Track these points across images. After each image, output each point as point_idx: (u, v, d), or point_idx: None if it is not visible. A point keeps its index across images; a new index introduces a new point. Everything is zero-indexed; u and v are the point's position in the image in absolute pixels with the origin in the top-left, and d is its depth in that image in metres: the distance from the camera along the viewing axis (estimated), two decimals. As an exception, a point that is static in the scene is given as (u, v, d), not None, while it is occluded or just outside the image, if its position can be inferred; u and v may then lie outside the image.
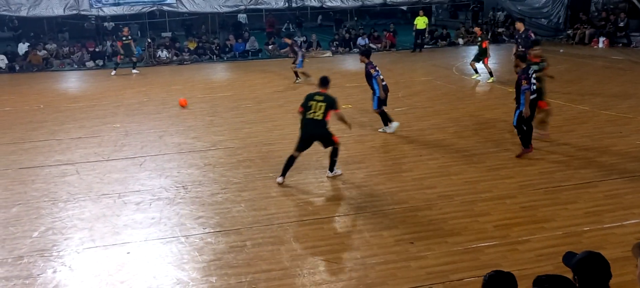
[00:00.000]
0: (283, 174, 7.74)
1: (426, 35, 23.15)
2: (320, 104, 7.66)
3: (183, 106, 12.60)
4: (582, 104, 11.79)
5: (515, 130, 8.59)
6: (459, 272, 5.18)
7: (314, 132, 7.72)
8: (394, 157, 8.83)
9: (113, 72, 18.75)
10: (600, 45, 21.24)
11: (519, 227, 6.08)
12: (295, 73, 16.21)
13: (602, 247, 5.44)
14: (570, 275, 2.84)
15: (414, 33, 22.70)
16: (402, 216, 6.52)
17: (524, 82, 8.22)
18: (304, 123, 7.79)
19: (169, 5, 21.61)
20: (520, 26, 14.03)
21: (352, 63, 20.25)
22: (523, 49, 12.08)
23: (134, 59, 19.14)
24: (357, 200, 7.09)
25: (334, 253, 5.71)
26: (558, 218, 6.27)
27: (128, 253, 5.83)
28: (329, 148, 7.87)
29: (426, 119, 11.22)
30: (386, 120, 10.30)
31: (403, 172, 8.09)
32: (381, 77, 10.08)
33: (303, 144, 7.79)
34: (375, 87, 10.00)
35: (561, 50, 20.65)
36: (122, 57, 18.96)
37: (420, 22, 22.70)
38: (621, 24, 21.47)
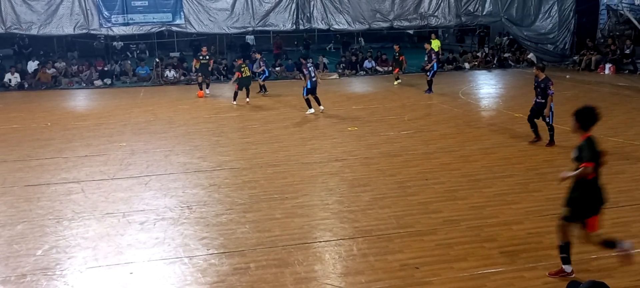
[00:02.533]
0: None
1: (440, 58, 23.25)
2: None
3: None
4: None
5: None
6: (465, 299, 5.12)
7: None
8: (400, 180, 8.80)
9: (207, 91, 17.64)
10: (607, 71, 21.25)
11: (526, 253, 6.02)
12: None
13: (610, 275, 5.39)
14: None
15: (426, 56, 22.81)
16: (408, 240, 6.47)
17: None
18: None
19: (177, 25, 21.84)
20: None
21: (359, 85, 20.37)
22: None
23: (208, 81, 17.81)
24: (361, 223, 7.04)
25: (338, 277, 5.67)
26: (565, 245, 6.20)
27: (131, 273, 5.80)
28: None
29: (433, 142, 11.20)
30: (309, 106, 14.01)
31: (409, 196, 8.05)
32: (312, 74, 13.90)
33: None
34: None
35: (567, 77, 20.65)
36: (201, 77, 17.66)
37: (434, 44, 22.87)
38: (627, 51, 21.51)
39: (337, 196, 8.15)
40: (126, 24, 21.17)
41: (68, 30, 20.93)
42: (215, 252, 6.25)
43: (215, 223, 7.10)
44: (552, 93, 10.23)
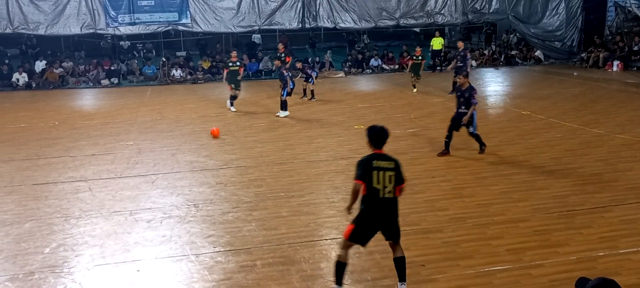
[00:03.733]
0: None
1: (441, 56, 23.27)
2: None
3: (215, 136, 11.24)
4: (596, 127, 11.68)
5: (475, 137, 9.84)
6: (471, 296, 5.11)
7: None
8: (406, 178, 8.76)
9: (232, 109, 14.90)
10: (615, 68, 21.11)
11: (532, 251, 5.99)
12: (312, 92, 16.46)
13: (618, 273, 5.35)
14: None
15: (430, 54, 22.80)
16: (414, 238, 6.46)
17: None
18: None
19: (183, 25, 21.89)
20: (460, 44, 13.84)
21: (365, 83, 20.34)
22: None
23: (237, 92, 15.03)
24: (368, 221, 7.02)
25: (344, 275, 5.65)
26: (572, 243, 6.18)
27: (138, 271, 5.83)
28: None
29: (439, 140, 11.15)
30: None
31: (415, 194, 8.03)
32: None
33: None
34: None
35: (575, 74, 20.55)
36: (232, 87, 14.88)
37: (436, 43, 22.85)
38: (635, 48, 21.35)
39: (343, 194, 8.13)
40: (133, 24, 21.25)
41: (75, 30, 21.04)
42: (222, 249, 6.27)
43: (221, 221, 7.12)
44: (476, 102, 9.69)
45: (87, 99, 18.44)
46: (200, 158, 10.25)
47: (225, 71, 15.32)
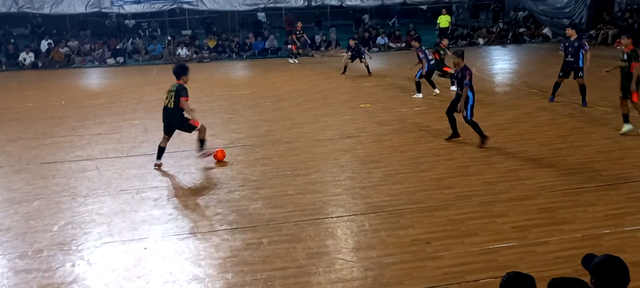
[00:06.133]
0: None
1: (449, 34, 23.03)
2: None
3: (220, 159, 8.83)
4: (604, 105, 11.59)
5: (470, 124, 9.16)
6: (476, 273, 5.13)
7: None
8: (412, 156, 8.78)
9: (292, 60, 20.37)
10: (624, 45, 20.83)
11: (538, 228, 5.99)
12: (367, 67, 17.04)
13: (623, 250, 5.35)
14: (588, 278, 2.79)
15: (437, 32, 22.59)
16: (419, 216, 6.48)
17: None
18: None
19: (188, 3, 21.83)
20: (572, 33, 12.15)
21: (371, 62, 20.19)
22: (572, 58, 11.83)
23: (301, 51, 21.12)
24: (374, 199, 7.06)
25: (350, 252, 5.70)
26: (578, 220, 6.17)
27: (145, 248, 5.89)
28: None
29: (445, 119, 11.07)
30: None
31: (421, 172, 8.04)
32: None
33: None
34: None
35: (584, 51, 20.29)
36: (296, 46, 20.70)
37: (443, 20, 22.62)
38: (646, 24, 21.06)
39: (349, 172, 8.16)
40: (137, 2, 21.22)
41: (80, 8, 21.04)
42: (228, 227, 6.32)
43: (228, 200, 7.16)
44: (468, 83, 8.85)
45: (93, 78, 18.48)
46: (206, 137, 10.25)
47: (294, 36, 20.58)
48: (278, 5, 22.85)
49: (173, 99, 8.25)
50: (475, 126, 9.08)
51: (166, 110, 8.38)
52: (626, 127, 9.47)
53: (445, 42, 14.85)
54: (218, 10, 22.55)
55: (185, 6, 22.27)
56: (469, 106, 9.03)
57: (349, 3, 22.89)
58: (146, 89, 15.64)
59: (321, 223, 6.39)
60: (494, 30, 24.71)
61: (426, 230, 6.08)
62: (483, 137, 9.07)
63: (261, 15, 27.25)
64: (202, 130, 8.57)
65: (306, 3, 22.46)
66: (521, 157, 8.52)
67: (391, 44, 23.36)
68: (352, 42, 17.76)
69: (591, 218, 6.22)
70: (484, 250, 5.57)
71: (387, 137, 9.92)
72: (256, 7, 22.81)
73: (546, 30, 23.88)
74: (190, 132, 8.66)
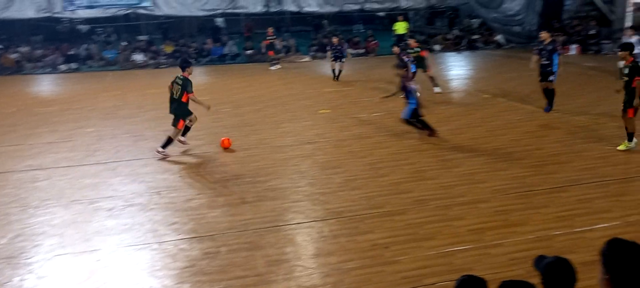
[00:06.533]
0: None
1: (406, 40, 23.40)
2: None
3: (226, 147, 9.74)
4: (555, 110, 11.98)
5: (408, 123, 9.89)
6: (433, 276, 5.21)
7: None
8: (371, 161, 8.86)
9: (272, 67, 19.84)
10: (572, 52, 21.68)
11: (492, 231, 6.14)
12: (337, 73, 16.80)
13: (573, 251, 5.53)
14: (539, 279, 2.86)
15: (394, 38, 22.90)
16: (378, 221, 6.53)
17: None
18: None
19: (144, 8, 21.42)
20: (546, 36, 12.24)
21: (330, 68, 20.30)
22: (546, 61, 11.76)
23: (279, 57, 20.76)
24: (333, 205, 7.08)
25: (309, 258, 5.70)
26: (530, 222, 6.36)
27: (98, 260, 5.72)
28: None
29: (403, 124, 11.28)
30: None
31: (380, 177, 8.12)
32: None
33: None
34: None
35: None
36: (272, 52, 20.40)
37: (401, 27, 22.96)
38: (592, 32, 21.96)
39: (309, 178, 8.17)
40: (90, 7, 20.71)
41: (30, 13, 20.37)
42: (186, 237, 6.21)
43: (185, 208, 7.04)
44: (408, 88, 9.72)
45: (45, 85, 17.89)
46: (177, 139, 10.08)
47: (266, 42, 20.16)
48: (236, 10, 22.69)
49: (180, 92, 9.27)
50: (413, 124, 9.88)
51: (172, 99, 9.41)
52: (629, 144, 8.89)
53: (396, 49, 14.73)
54: (175, 15, 22.22)
55: (141, 11, 21.84)
56: (410, 109, 9.79)
57: (307, 9, 22.96)
58: (101, 95, 15.24)
59: (281, 230, 6.36)
60: (450, 37, 25.26)
61: (385, 235, 6.14)
62: (430, 130, 9.94)
63: (219, 21, 26.99)
64: (176, 133, 9.46)
65: (265, 9, 22.40)
66: (476, 160, 8.72)
67: (350, 50, 23.54)
68: (335, 40, 17.37)
69: (543, 220, 6.41)
70: (441, 254, 5.67)
71: (347, 143, 9.98)
72: (214, 12, 22.59)
73: (499, 37, 24.58)
74: (174, 126, 9.43)
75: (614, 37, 19.44)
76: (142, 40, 23.50)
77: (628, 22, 16.77)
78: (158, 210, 7.03)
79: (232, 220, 6.64)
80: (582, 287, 3.06)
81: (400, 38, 22.99)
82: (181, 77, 9.41)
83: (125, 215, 6.86)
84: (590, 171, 8.06)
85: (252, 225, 6.46)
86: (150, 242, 6.11)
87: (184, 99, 9.32)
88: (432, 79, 14.62)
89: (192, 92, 9.38)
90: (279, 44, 21.35)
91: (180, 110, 9.41)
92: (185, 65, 9.63)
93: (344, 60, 16.91)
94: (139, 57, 21.27)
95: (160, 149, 9.17)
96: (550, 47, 11.96)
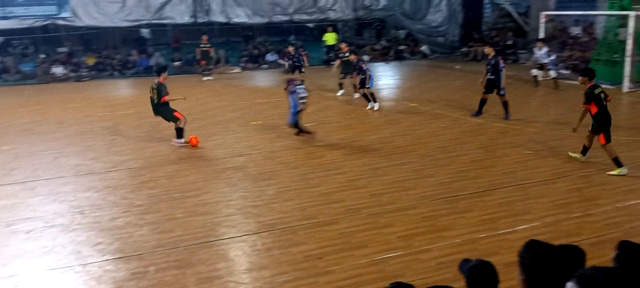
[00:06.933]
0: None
1: (336, 50, 23.79)
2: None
3: (194, 144, 10.58)
4: (477, 117, 12.54)
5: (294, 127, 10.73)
6: (366, 285, 5.28)
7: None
8: (303, 172, 8.89)
9: (204, 78, 19.38)
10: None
11: (421, 236, 6.32)
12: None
13: (496, 252, 5.80)
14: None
15: (325, 49, 23.21)
16: (311, 231, 6.56)
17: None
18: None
19: (64, 19, 20.45)
20: (490, 51, 12.75)
21: (262, 79, 20.29)
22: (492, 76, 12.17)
23: (211, 67, 20.05)
24: (266, 217, 7.03)
25: (242, 274, 5.62)
26: (456, 226, 6.60)
27: (17, 286, 5.37)
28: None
29: (335, 133, 11.43)
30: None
31: (312, 187, 8.16)
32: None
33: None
34: None
35: (457, 67, 21.96)
36: (204, 62, 19.67)
37: (330, 38, 23.29)
38: (509, 42, 23.23)
39: (241, 191, 8.07)
40: (5, 18, 19.52)
41: (-64, 24, 18.92)
42: (111, 257, 5.95)
43: (110, 228, 6.75)
44: (297, 96, 10.45)
45: (-47, 101, 16.64)
46: (86, 161, 9.66)
47: (199, 50, 19.75)
48: (162, 21, 22.11)
49: (156, 95, 10.47)
50: (297, 126, 10.79)
51: (153, 103, 10.63)
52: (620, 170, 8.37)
53: (353, 57, 15.03)
54: (97, 26, 21.33)
55: (61, 22, 20.82)
56: (292, 113, 10.64)
57: (236, 20, 22.76)
58: (17, 111, 14.38)
59: (212, 246, 6.24)
60: (377, 47, 25.89)
61: (318, 246, 6.17)
62: (305, 132, 10.83)
63: (145, 32, 26.24)
64: (183, 121, 10.54)
65: (193, 19, 21.99)
66: (405, 168, 8.96)
67: (281, 61, 23.59)
68: (291, 49, 17.14)
69: (468, 224, 6.68)
70: (373, 261, 5.76)
71: (279, 154, 9.97)
72: (139, 23, 21.89)
73: (424, 48, 25.47)
74: (175, 121, 10.58)
75: (529, 47, 20.65)
76: (62, 52, 22.42)
77: (541, 34, 17.86)
78: (81, 230, 6.70)
79: (160, 237, 6.44)
80: (505, 287, 3.21)
81: (330, 49, 23.37)
82: (157, 82, 10.52)
83: (46, 237, 6.48)
84: (511, 175, 8.49)
85: (182, 242, 6.29)
86: (73, 264, 5.81)
87: (162, 101, 10.45)
88: (355, 87, 15.06)
89: (167, 94, 10.49)
90: (213, 53, 20.80)
91: (163, 110, 10.60)
92: (160, 71, 10.88)
93: (304, 69, 16.76)
94: (58, 70, 20.26)
95: (176, 141, 10.56)
96: (493, 62, 12.44)
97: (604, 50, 16.96)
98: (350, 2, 23.80)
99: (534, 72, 16.87)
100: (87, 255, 6.01)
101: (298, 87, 10.60)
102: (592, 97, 8.36)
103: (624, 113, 13.52)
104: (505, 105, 12.35)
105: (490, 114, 12.76)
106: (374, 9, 24.50)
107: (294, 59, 17.02)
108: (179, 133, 10.56)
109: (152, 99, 10.63)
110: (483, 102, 12.57)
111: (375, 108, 13.72)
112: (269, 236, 6.47)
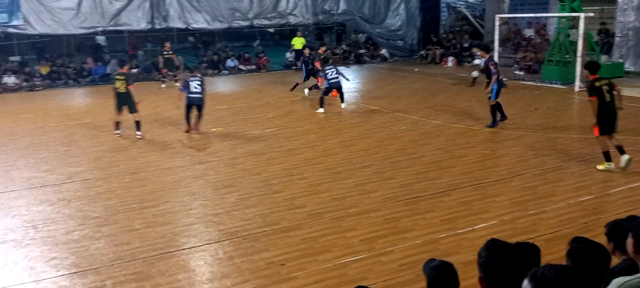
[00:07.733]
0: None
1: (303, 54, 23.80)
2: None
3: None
4: (436, 118, 12.76)
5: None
6: (329, 289, 5.27)
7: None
8: (265, 178, 8.83)
9: (163, 85, 19.17)
10: (449, 64, 23.29)
11: (383, 238, 6.35)
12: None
13: (457, 251, 5.88)
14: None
15: (293, 53, 23.13)
16: (274, 238, 6.50)
17: None
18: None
19: (15, 27, 19.76)
20: (482, 53, 12.77)
21: (222, 85, 20.12)
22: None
23: (176, 74, 19.62)
24: (227, 225, 6.94)
25: (203, 284, 5.52)
26: (417, 227, 6.67)
27: (-36, 308, 5.13)
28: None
29: (296, 138, 11.41)
30: None
31: (274, 193, 8.10)
32: None
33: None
34: None
35: (416, 69, 22.30)
36: (165, 70, 19.40)
37: (298, 42, 23.24)
38: (466, 45, 23.74)
39: (201, 200, 7.95)
40: (-50, 26, 18.74)
41: None
42: (66, 272, 5.75)
43: (65, 241, 6.53)
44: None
45: None
46: (39, 173, 9.33)
47: (160, 57, 19.79)
48: (119, 27, 21.64)
49: (125, 85, 11.35)
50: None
51: (119, 94, 11.46)
52: (606, 165, 8.53)
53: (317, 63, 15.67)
54: (51, 33, 20.69)
55: (11, 30, 20.11)
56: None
57: (195, 26, 22.47)
58: (-36, 123, 13.78)
59: (172, 257, 6.11)
60: (338, 51, 26.02)
61: (281, 252, 6.12)
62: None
63: (101, 39, 25.64)
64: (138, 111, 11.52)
65: (150, 26, 21.59)
66: (366, 171, 9.01)
67: (241, 67, 23.43)
68: (307, 52, 16.86)
69: (429, 224, 6.75)
70: (336, 266, 5.75)
71: (240, 160, 9.87)
72: (94, 30, 21.34)
73: (384, 51, 25.77)
74: (136, 111, 11.58)
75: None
76: (13, 62, 21.66)
77: (496, 36, 18.33)
78: (34, 245, 6.45)
79: (118, 250, 6.26)
80: (466, 286, 3.25)
81: (299, 53, 23.30)
82: (122, 72, 11.75)
83: (-5, 255, 6.22)
84: (469, 175, 8.64)
85: (140, 254, 6.14)
86: (26, 281, 5.59)
87: (131, 88, 11.44)
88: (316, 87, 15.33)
89: (132, 83, 11.60)
90: (177, 60, 20.46)
91: (130, 101, 11.45)
92: (123, 64, 13.03)
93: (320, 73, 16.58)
94: (10, 80, 19.55)
95: (139, 133, 11.54)
96: (484, 65, 12.49)
97: (556, 51, 17.53)
98: (310, 6, 23.86)
99: (475, 74, 17.49)
100: (40, 271, 5.79)
101: (328, 69, 13.65)
102: (594, 89, 8.36)
103: (576, 111, 14.01)
104: (491, 110, 11.76)
105: (446, 115, 12.99)
106: (334, 14, 24.64)
107: (309, 63, 16.82)
108: (139, 125, 11.59)
109: (117, 90, 11.35)
110: (493, 108, 11.78)
111: (321, 113, 13.89)
112: (231, 244, 6.38)
